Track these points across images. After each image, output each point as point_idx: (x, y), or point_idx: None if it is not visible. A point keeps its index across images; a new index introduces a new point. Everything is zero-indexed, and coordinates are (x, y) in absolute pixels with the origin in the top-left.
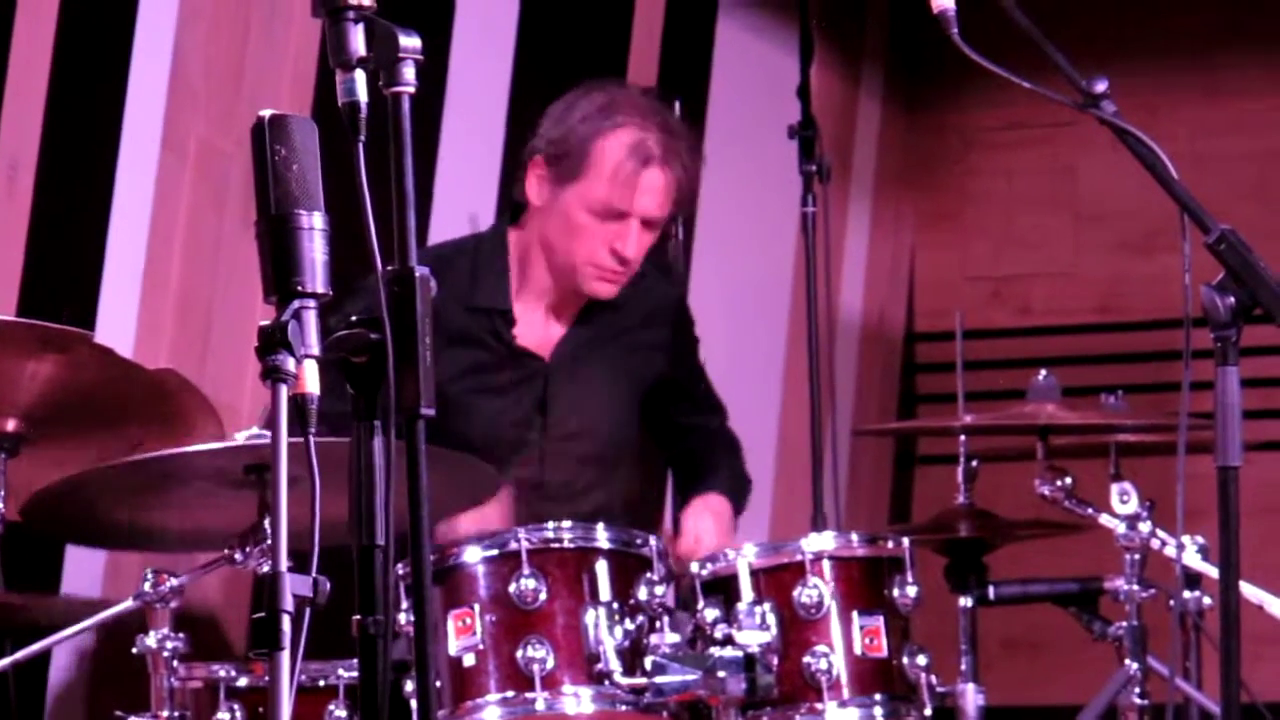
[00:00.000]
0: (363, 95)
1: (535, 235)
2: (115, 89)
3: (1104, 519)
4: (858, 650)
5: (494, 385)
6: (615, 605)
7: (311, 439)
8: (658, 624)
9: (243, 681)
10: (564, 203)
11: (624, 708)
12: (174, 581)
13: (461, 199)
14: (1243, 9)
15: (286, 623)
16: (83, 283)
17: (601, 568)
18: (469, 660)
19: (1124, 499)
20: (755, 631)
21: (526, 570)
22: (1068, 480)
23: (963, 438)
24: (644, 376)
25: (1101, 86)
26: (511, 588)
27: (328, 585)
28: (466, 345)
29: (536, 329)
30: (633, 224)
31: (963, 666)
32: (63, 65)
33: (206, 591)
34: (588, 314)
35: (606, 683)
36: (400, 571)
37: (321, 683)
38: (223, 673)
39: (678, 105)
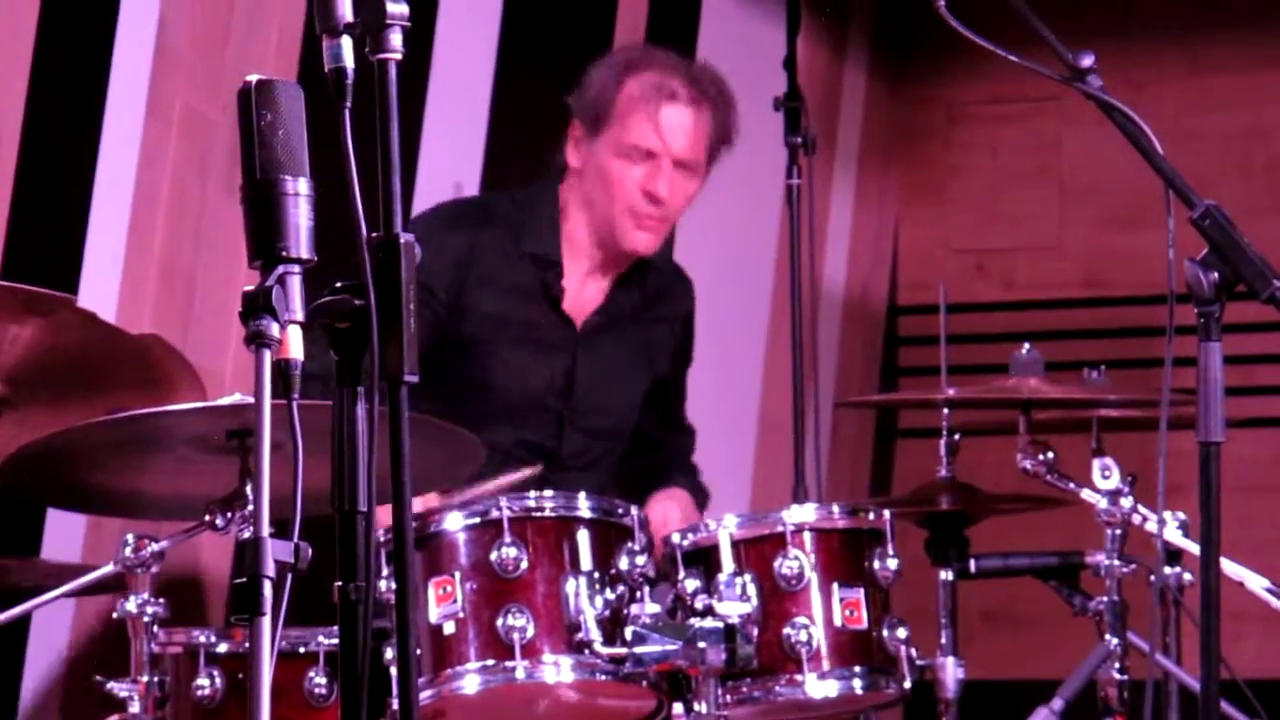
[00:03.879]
0: (349, 61)
1: (576, 195)
2: (100, 53)
3: (1085, 494)
4: (838, 622)
5: (531, 339)
6: (596, 574)
7: (295, 404)
8: (638, 594)
9: (223, 647)
10: (598, 155)
11: (603, 677)
12: (155, 546)
13: (447, 166)
14: None
15: (268, 588)
16: (66, 247)
17: (583, 537)
18: (449, 628)
19: (1105, 474)
20: (735, 602)
21: (508, 538)
22: (1049, 455)
23: (945, 411)
24: (653, 369)
25: (1088, 61)
26: (492, 556)
27: (309, 551)
28: (515, 292)
29: (573, 293)
30: (664, 163)
31: (942, 640)
32: (48, 29)
33: (188, 557)
34: (617, 292)
35: (586, 652)
36: (381, 538)
37: (302, 649)
38: (203, 638)
39: None
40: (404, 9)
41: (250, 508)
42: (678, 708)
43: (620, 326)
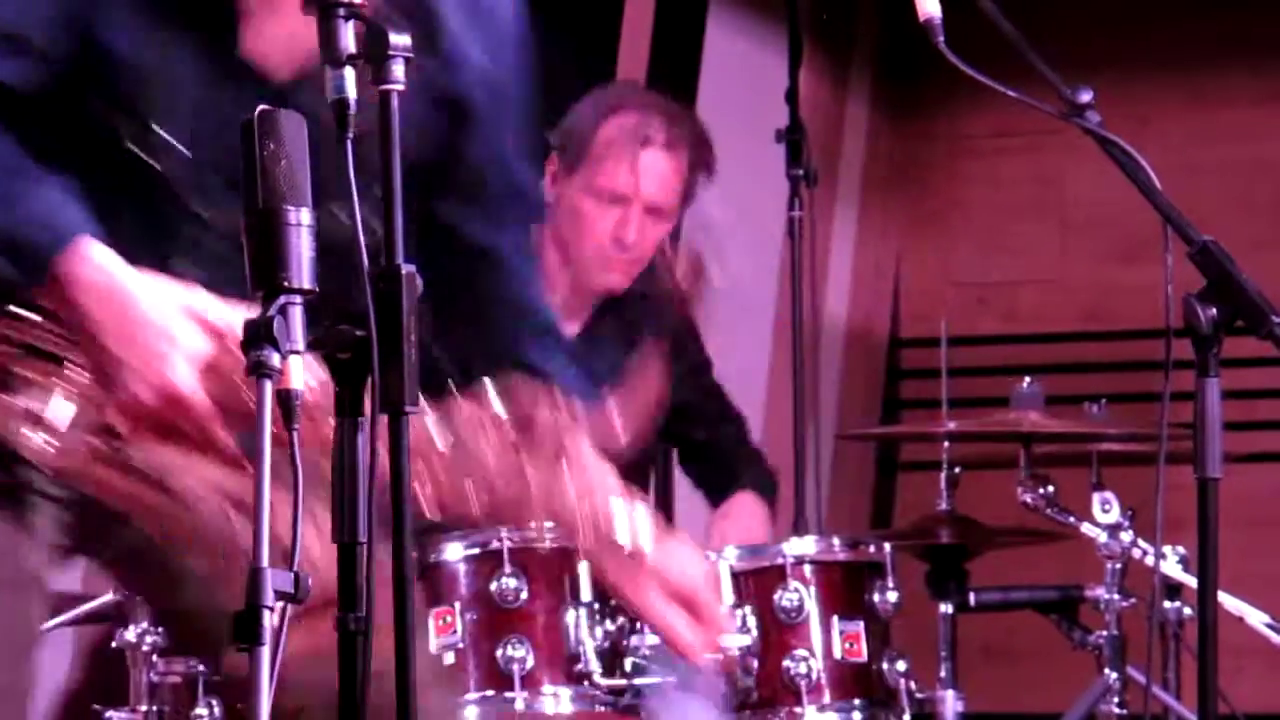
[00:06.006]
0: (352, 92)
1: (550, 231)
2: None
3: (1085, 528)
4: (837, 655)
5: None
6: (596, 606)
7: (295, 434)
8: (638, 625)
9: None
10: (571, 193)
11: (603, 708)
12: None
13: None
14: (1230, 20)
15: (267, 618)
16: None
17: (583, 568)
18: (449, 659)
19: (1105, 508)
20: (735, 634)
21: (508, 569)
22: (1049, 488)
23: (945, 444)
24: None
25: (1086, 96)
26: (492, 586)
27: (309, 581)
28: None
29: None
30: (634, 208)
31: (942, 673)
32: None
33: None
34: (598, 321)
35: (586, 683)
36: None
37: None
38: (202, 668)
39: None
40: (407, 40)
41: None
42: None
43: (601, 351)
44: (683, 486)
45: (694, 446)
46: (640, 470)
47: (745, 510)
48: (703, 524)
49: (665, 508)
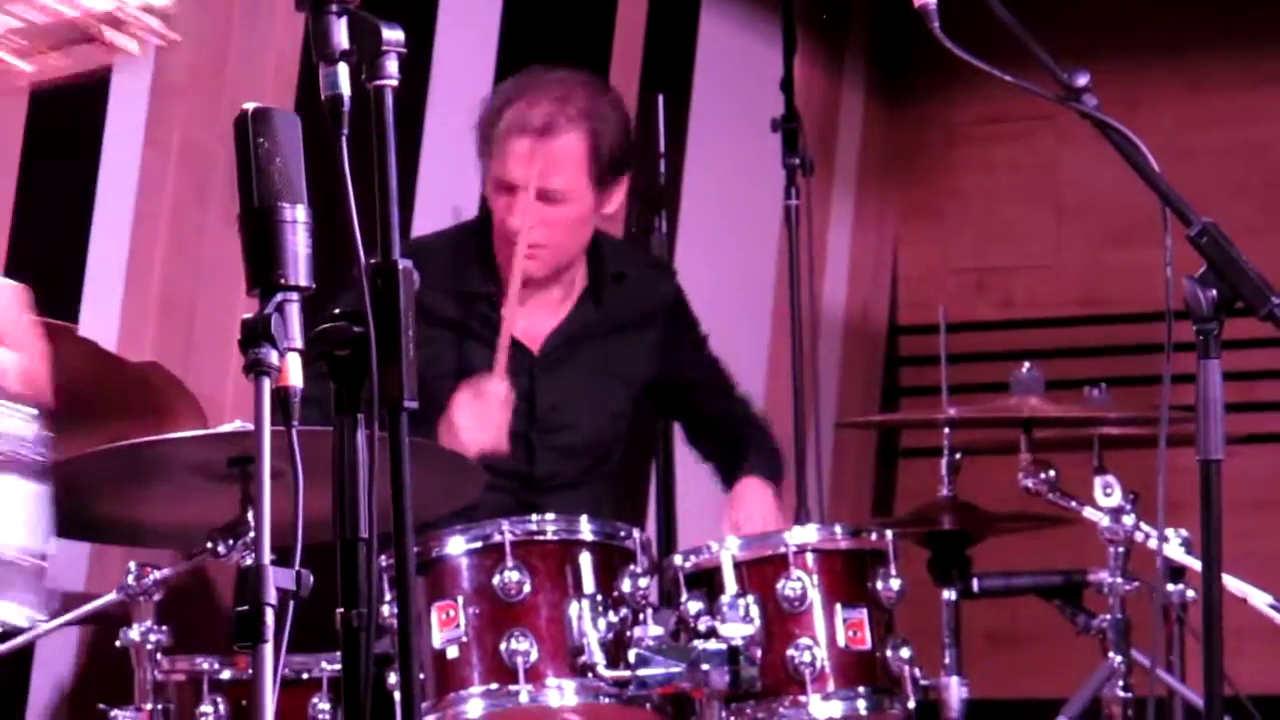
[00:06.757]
0: (346, 89)
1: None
2: (98, 82)
3: (1087, 512)
4: (841, 643)
5: (474, 371)
6: (599, 598)
7: (294, 431)
8: (641, 616)
9: (226, 674)
10: (486, 185)
11: (607, 700)
12: (157, 574)
13: (445, 192)
14: (1223, 5)
15: (270, 615)
16: (66, 275)
17: (585, 560)
18: (452, 652)
19: (1107, 492)
20: (739, 624)
21: (510, 563)
22: (1051, 473)
23: (946, 430)
24: (635, 375)
25: (1083, 80)
26: (495, 580)
27: (310, 578)
28: (455, 332)
29: (525, 318)
30: (521, 195)
31: (946, 659)
32: None
33: (199, 581)
34: (579, 309)
35: (590, 675)
36: (384, 564)
37: (305, 676)
38: (206, 666)
39: (660, 100)
40: (400, 35)
41: (251, 534)
42: None
43: (583, 342)
44: (684, 470)
45: (703, 421)
46: (643, 450)
47: (753, 496)
48: (705, 502)
49: (667, 490)
